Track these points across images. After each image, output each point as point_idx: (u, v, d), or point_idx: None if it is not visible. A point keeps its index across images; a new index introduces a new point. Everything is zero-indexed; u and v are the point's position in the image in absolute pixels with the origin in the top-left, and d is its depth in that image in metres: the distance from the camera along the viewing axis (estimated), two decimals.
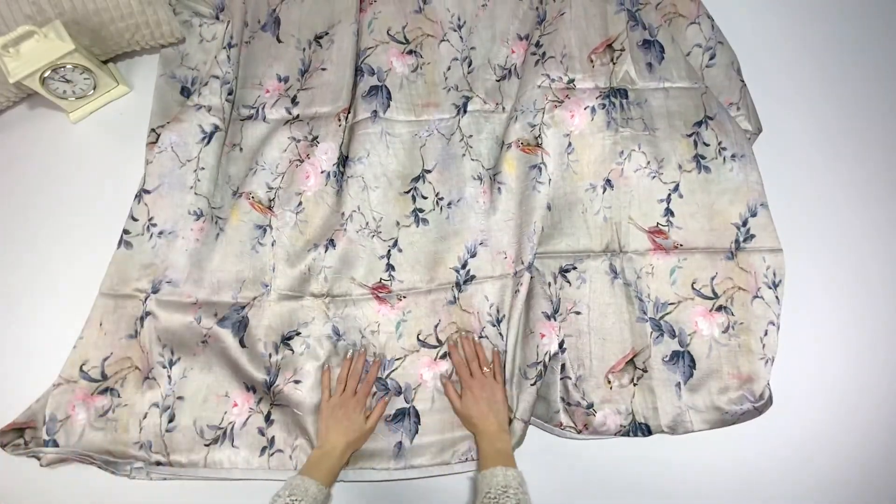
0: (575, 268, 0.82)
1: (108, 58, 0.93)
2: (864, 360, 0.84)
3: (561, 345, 0.79)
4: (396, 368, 0.79)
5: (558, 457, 0.79)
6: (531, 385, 0.76)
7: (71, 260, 0.86)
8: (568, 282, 0.82)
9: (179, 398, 0.77)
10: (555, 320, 0.80)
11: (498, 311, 0.81)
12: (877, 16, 1.02)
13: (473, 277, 0.83)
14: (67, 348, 0.79)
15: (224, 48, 0.91)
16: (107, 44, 0.88)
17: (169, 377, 0.78)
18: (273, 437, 0.77)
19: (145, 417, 0.76)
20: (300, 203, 0.85)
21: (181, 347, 0.79)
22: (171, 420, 0.76)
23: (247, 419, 0.77)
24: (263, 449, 0.76)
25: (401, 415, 0.78)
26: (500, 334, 0.80)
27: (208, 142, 0.86)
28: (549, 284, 0.82)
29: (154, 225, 0.83)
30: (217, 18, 0.94)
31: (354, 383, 0.76)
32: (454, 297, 0.82)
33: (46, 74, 0.82)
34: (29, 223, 0.88)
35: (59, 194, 0.89)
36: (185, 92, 0.91)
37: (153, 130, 0.88)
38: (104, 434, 0.76)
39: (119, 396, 0.77)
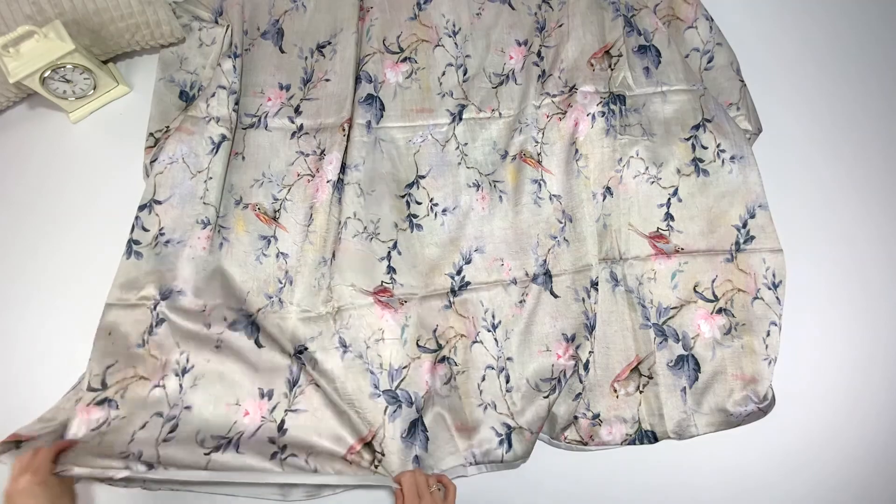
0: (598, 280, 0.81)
1: (108, 58, 0.93)
2: (864, 360, 0.84)
3: (586, 365, 0.78)
4: (405, 378, 0.78)
5: (560, 463, 0.79)
6: (543, 398, 0.76)
7: (70, 260, 0.85)
8: (597, 291, 0.81)
9: (187, 408, 0.74)
10: (588, 339, 0.78)
11: (493, 316, 0.81)
12: (877, 15, 1.02)
13: (468, 284, 0.83)
14: (65, 349, 0.79)
15: (229, 57, 0.90)
16: (107, 44, 0.88)
17: (180, 385, 0.75)
18: (285, 445, 0.74)
19: (143, 427, 0.72)
20: (311, 217, 0.84)
21: (195, 354, 0.76)
22: (172, 430, 0.73)
23: (258, 428, 0.74)
24: (274, 454, 0.73)
25: (413, 427, 0.76)
26: (496, 340, 0.80)
27: (216, 151, 0.85)
28: (584, 300, 0.80)
29: (163, 234, 0.81)
30: (216, 22, 0.94)
31: None
32: (449, 302, 0.82)
33: (46, 74, 0.82)
34: (28, 223, 0.88)
35: (59, 194, 0.89)
36: (184, 96, 0.90)
37: (151, 135, 0.87)
38: (90, 444, 0.70)
39: (117, 409, 0.73)
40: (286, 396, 0.76)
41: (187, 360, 0.76)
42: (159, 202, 0.82)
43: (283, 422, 0.75)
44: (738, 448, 0.79)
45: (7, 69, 0.79)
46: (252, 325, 0.79)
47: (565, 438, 0.77)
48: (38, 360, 0.81)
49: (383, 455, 0.74)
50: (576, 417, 0.78)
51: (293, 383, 0.76)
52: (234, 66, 0.89)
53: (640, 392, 0.79)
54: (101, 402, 0.73)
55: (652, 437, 0.77)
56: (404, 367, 0.78)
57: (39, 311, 0.84)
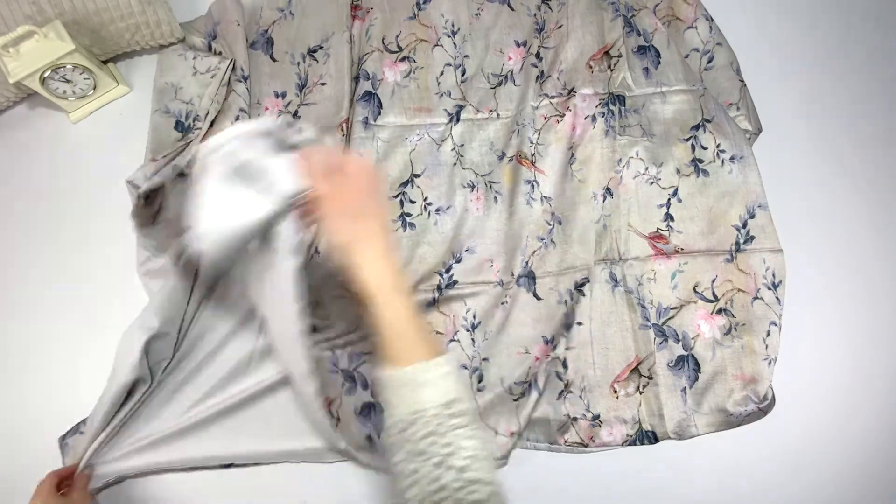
0: (588, 280, 0.82)
1: (108, 58, 0.93)
2: (864, 360, 0.84)
3: (564, 362, 0.79)
4: (364, 362, 0.79)
5: (560, 463, 0.78)
6: (513, 400, 0.76)
7: (69, 260, 0.85)
8: (582, 294, 0.81)
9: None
10: (564, 336, 0.79)
11: (474, 316, 0.81)
12: (878, 13, 1.02)
13: (455, 282, 0.83)
14: (65, 350, 0.79)
15: (239, 81, 0.89)
16: (107, 44, 0.88)
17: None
18: None
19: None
20: None
21: None
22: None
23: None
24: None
25: (367, 408, 0.77)
26: (472, 340, 0.80)
27: None
28: (566, 302, 0.81)
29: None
30: (209, 48, 0.93)
31: None
32: (434, 299, 0.82)
33: (46, 74, 0.82)
34: (28, 223, 0.88)
35: (59, 195, 0.89)
36: (180, 126, 0.88)
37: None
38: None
39: None
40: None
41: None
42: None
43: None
44: (738, 448, 0.79)
45: (7, 69, 0.79)
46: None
47: (565, 442, 0.77)
48: (36, 360, 0.81)
49: (339, 420, 0.76)
50: (575, 419, 0.78)
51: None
52: (247, 89, 0.89)
53: (640, 393, 0.79)
54: None
55: (652, 438, 0.77)
56: (366, 353, 0.79)
57: (40, 311, 0.84)
